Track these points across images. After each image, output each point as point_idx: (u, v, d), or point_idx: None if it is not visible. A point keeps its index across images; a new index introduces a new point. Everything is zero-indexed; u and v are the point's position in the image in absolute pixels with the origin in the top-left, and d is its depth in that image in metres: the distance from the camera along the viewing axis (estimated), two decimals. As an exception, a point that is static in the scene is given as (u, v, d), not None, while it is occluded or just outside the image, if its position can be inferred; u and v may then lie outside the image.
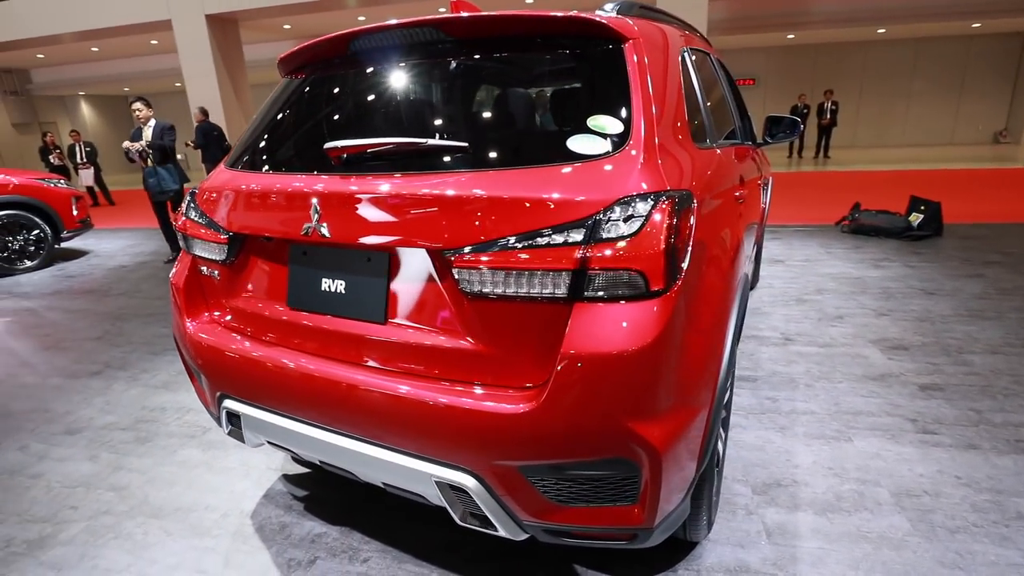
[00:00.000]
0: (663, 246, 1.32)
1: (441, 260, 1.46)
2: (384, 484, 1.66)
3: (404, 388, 1.48)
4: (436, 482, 1.49)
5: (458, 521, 1.57)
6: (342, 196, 1.55)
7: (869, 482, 2.35)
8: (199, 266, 1.98)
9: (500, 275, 1.37)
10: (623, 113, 1.48)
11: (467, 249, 1.39)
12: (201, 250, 1.93)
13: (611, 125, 1.47)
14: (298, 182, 1.65)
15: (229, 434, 1.99)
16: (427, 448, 1.48)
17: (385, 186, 1.50)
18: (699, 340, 1.45)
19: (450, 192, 1.42)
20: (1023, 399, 2.95)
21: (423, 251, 1.49)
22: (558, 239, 1.32)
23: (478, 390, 1.44)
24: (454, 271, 1.42)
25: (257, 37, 15.63)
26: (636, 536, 1.47)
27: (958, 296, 4.49)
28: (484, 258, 1.37)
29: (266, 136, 1.94)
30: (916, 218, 6.37)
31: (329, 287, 1.66)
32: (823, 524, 2.12)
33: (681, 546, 2.03)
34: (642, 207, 1.32)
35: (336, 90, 1.89)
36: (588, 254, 1.31)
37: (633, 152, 1.42)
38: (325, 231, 1.57)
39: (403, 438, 1.50)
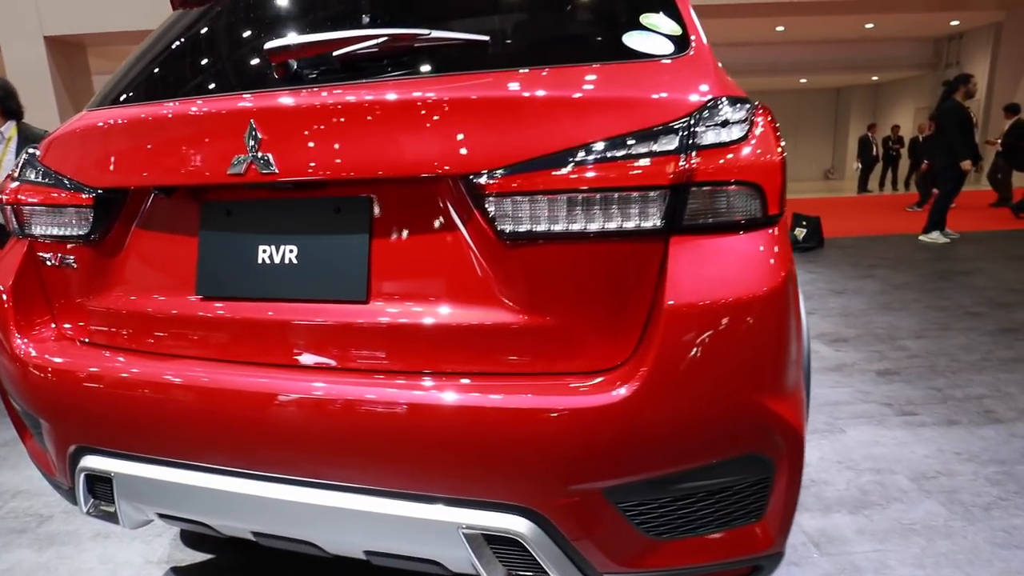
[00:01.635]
0: (780, 155, 0.98)
1: (464, 193, 1.00)
2: (369, 554, 1.09)
3: (410, 395, 0.97)
4: (466, 535, 0.97)
5: None
6: (299, 112, 1.03)
7: (884, 471, 2.19)
8: (39, 254, 1.31)
9: (559, 204, 0.93)
10: (676, 11, 1.16)
11: (504, 170, 0.94)
12: (46, 225, 1.27)
13: (666, 24, 1.13)
14: (222, 101, 1.10)
15: (90, 512, 1.30)
16: (453, 484, 0.97)
17: (369, 95, 1.01)
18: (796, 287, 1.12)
19: (479, 94, 0.98)
20: (968, 374, 3.05)
21: (435, 183, 1.02)
22: (643, 147, 0.93)
23: (531, 382, 0.97)
24: (488, 204, 0.96)
25: (112, 67, 13.85)
26: (760, 569, 1.05)
27: (863, 293, 4.77)
28: (534, 180, 0.93)
29: (163, 58, 1.35)
30: (801, 232, 6.85)
31: (270, 258, 1.11)
32: (864, 523, 1.89)
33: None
34: (740, 112, 0.97)
35: None
36: (688, 165, 0.92)
37: (700, 54, 1.09)
38: (269, 165, 1.03)
39: (412, 474, 0.98)
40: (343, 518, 1.03)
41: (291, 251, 1.10)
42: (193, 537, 1.98)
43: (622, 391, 0.91)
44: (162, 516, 1.23)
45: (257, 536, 1.17)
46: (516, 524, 0.95)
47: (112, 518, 1.28)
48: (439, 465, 0.96)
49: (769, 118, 1.02)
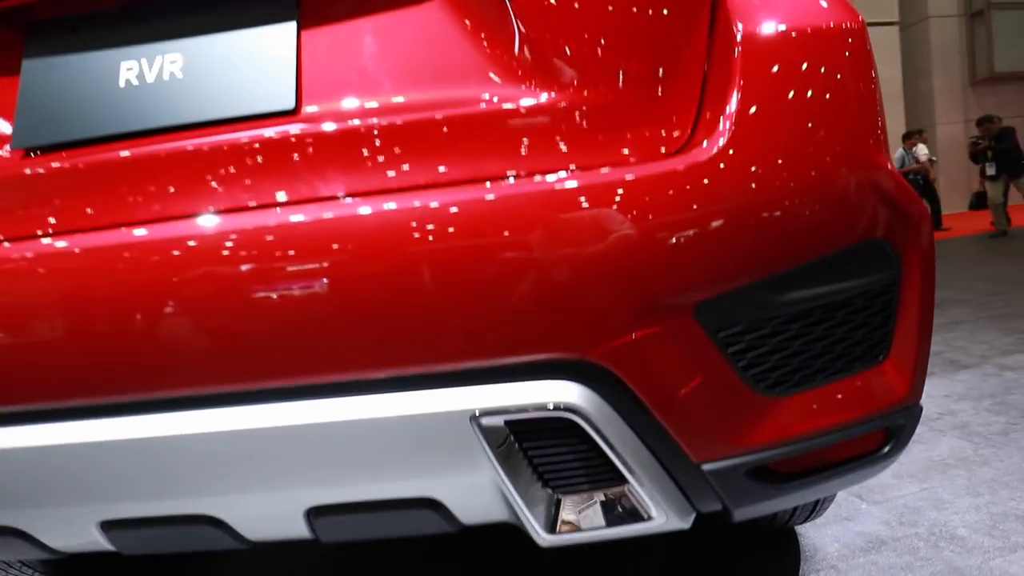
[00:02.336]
0: None
1: None
2: (317, 515, 0.67)
3: (391, 216, 0.61)
4: (484, 427, 0.60)
5: (542, 535, 0.66)
6: None
7: None
8: None
9: None
10: None
11: None
12: None
13: None
14: None
15: None
16: (461, 343, 0.60)
17: None
18: None
19: None
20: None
21: None
22: None
23: (567, 169, 0.64)
24: None
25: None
26: (899, 432, 0.75)
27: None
28: None
29: None
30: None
31: (139, 77, 0.73)
32: (895, 469, 1.67)
33: (782, 550, 1.34)
34: None
35: None
36: None
37: None
38: None
39: (397, 341, 0.60)
40: (292, 444, 0.61)
41: (172, 62, 0.74)
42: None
43: (702, 146, 0.61)
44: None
45: (119, 541, 0.70)
46: (563, 392, 0.60)
47: None
48: (440, 314, 0.59)
49: None
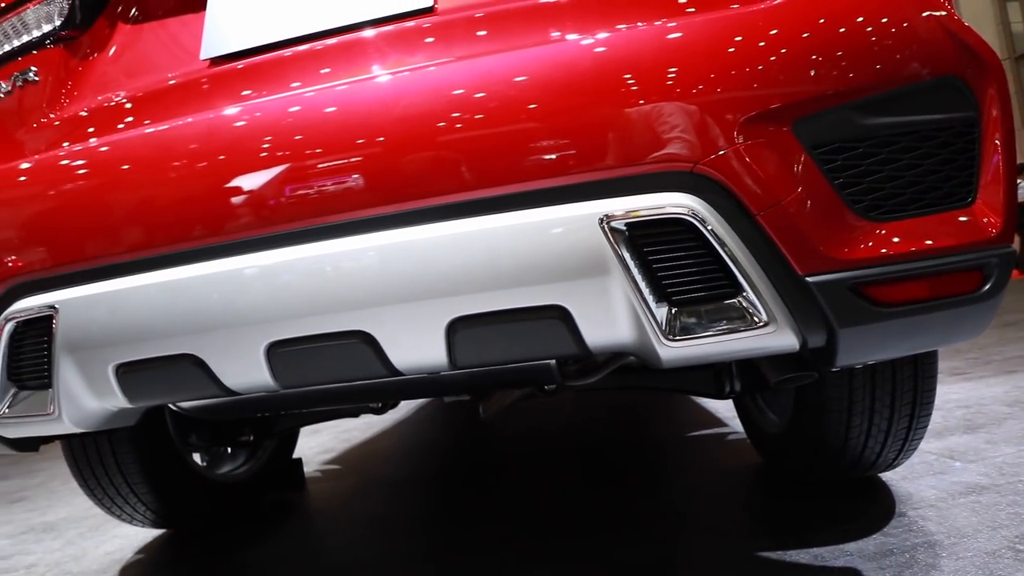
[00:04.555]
0: None
1: None
2: (459, 336, 0.74)
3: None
4: (610, 230, 0.69)
5: (664, 342, 0.70)
6: None
7: (973, 405, 1.99)
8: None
9: None
10: None
11: None
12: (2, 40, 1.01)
13: None
14: None
15: (8, 416, 0.89)
16: (582, 155, 0.70)
17: None
18: None
19: None
20: (993, 348, 2.93)
21: None
22: None
23: None
24: None
25: None
26: (990, 270, 0.78)
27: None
28: None
29: None
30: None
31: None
32: (987, 437, 1.64)
33: (876, 495, 1.30)
34: None
35: None
36: None
37: None
38: None
39: (519, 155, 0.70)
40: (437, 257, 0.70)
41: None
42: (133, 574, 1.41)
43: None
44: (131, 371, 0.83)
45: (281, 368, 0.79)
46: (679, 199, 0.68)
47: (44, 416, 0.87)
48: (571, 131, 0.69)
49: None
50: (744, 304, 0.69)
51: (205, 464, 1.70)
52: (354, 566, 1.28)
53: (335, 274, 0.72)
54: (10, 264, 0.86)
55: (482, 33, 0.79)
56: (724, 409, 2.30)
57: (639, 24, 0.73)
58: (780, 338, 0.70)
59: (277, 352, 0.77)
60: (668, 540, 1.18)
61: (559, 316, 0.71)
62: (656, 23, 0.73)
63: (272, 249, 0.73)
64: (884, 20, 0.72)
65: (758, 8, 0.72)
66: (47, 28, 0.99)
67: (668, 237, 0.69)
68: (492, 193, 0.70)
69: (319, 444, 2.74)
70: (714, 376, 1.23)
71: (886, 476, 1.39)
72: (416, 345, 0.74)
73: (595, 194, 0.69)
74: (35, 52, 1.01)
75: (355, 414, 1.60)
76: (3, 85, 1.02)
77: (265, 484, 1.85)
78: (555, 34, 0.75)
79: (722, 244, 0.68)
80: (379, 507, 1.73)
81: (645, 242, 0.69)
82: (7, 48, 1.01)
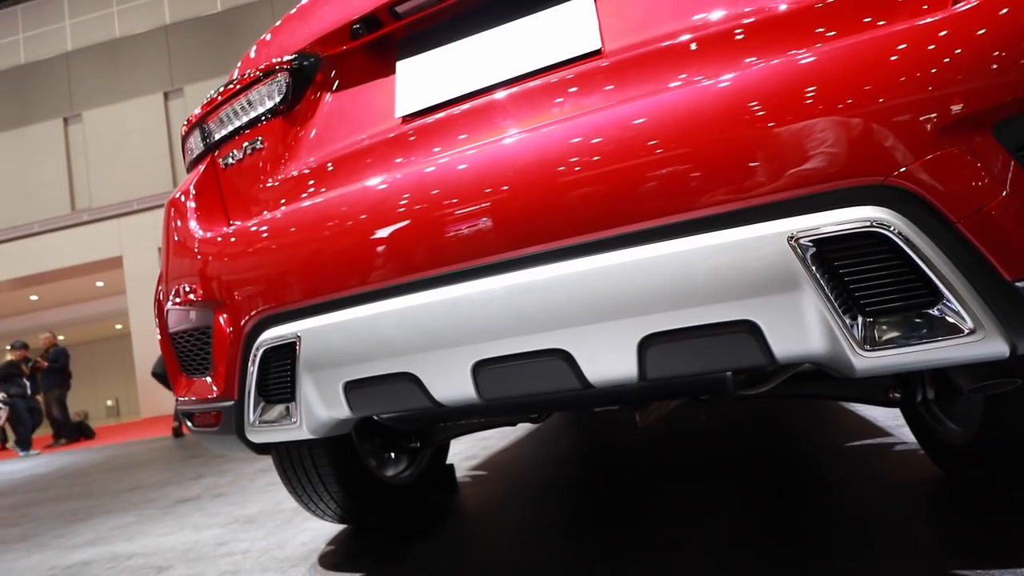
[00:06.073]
0: None
1: None
2: (651, 354, 0.81)
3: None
4: (800, 247, 0.72)
5: (860, 353, 0.72)
6: None
7: None
8: (222, 157, 1.27)
9: None
10: None
11: None
12: (234, 117, 1.24)
13: None
14: None
15: (259, 424, 1.08)
16: (769, 175, 0.74)
17: None
18: None
19: None
20: None
21: None
22: None
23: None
24: None
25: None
26: None
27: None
28: None
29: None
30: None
31: (483, 50, 1.02)
32: None
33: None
34: None
35: None
36: None
37: None
38: None
39: (706, 179, 0.76)
40: (631, 279, 0.78)
41: (502, 33, 1.02)
42: (330, 561, 1.62)
43: None
44: (356, 387, 0.99)
45: (485, 383, 0.90)
46: (870, 213, 0.69)
47: (288, 424, 1.05)
48: (759, 152, 0.73)
49: None
50: (946, 312, 0.69)
51: (380, 465, 1.91)
52: (506, 566, 1.38)
53: (529, 300, 0.82)
54: (259, 301, 1.06)
55: (657, 69, 0.86)
56: (885, 418, 2.16)
57: (823, 35, 0.76)
58: (987, 346, 0.69)
59: (482, 369, 0.88)
60: (851, 555, 1.15)
61: (748, 330, 0.76)
62: (840, 34, 0.75)
63: (479, 279, 0.85)
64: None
65: (950, 13, 0.72)
66: (269, 104, 1.21)
67: (860, 250, 0.71)
68: (682, 218, 0.76)
69: (461, 452, 2.93)
70: (898, 383, 1.19)
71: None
72: (609, 363, 0.82)
73: (783, 213, 0.73)
74: (260, 124, 1.22)
75: (514, 423, 1.71)
76: (236, 153, 1.25)
77: (425, 488, 2.03)
78: (730, 60, 0.80)
79: (919, 253, 0.69)
80: (526, 509, 1.83)
81: (835, 256, 0.71)
82: (239, 123, 1.24)
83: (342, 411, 1.02)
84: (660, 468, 2.05)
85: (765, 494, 1.58)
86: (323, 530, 1.91)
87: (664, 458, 2.20)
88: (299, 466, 1.62)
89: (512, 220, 0.82)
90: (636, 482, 1.93)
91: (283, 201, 1.14)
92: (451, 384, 0.91)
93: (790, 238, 0.71)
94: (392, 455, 1.99)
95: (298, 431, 1.03)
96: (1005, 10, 0.71)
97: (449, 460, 2.25)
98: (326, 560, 1.64)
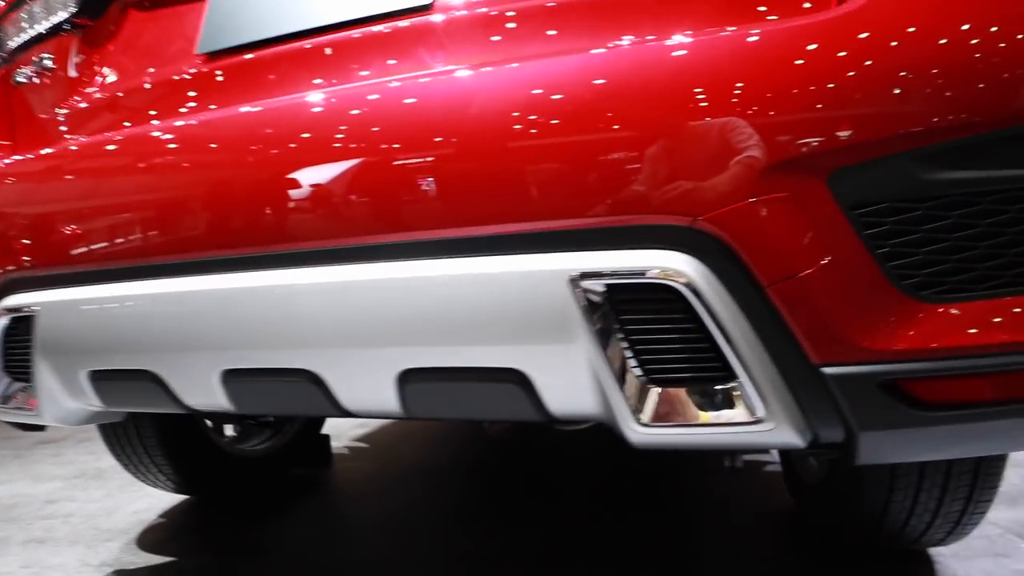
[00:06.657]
0: None
1: None
2: (407, 380, 0.67)
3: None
4: (583, 292, 0.58)
5: (634, 427, 0.60)
6: None
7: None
8: (12, 72, 1.04)
9: None
10: None
11: None
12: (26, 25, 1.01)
13: None
14: None
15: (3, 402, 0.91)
16: (559, 199, 0.59)
17: None
18: None
19: None
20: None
21: None
22: None
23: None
24: None
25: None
26: None
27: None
28: None
29: None
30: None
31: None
32: None
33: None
34: None
35: None
36: None
37: None
38: None
39: (500, 195, 0.61)
40: (391, 300, 0.63)
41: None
42: (151, 539, 1.49)
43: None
44: (103, 380, 0.82)
45: (237, 395, 0.75)
46: (669, 260, 0.56)
47: (25, 410, 0.88)
48: (543, 170, 0.59)
49: None
50: (736, 394, 0.57)
51: (236, 436, 1.75)
52: (367, 561, 1.27)
53: (281, 307, 0.67)
54: (6, 258, 0.87)
55: (487, 36, 0.69)
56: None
57: (644, 37, 0.61)
58: (779, 435, 0.58)
59: (232, 380, 0.73)
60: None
61: (517, 381, 0.62)
62: (662, 37, 0.60)
63: (223, 274, 0.69)
64: (974, 41, 0.55)
65: (805, 22, 0.57)
66: (62, 15, 0.98)
67: (650, 305, 0.58)
68: (447, 235, 0.61)
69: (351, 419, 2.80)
70: None
71: (935, 549, 1.22)
72: (365, 393, 0.68)
73: (568, 245, 0.58)
74: (55, 38, 1.00)
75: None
76: (23, 70, 1.03)
77: (290, 459, 1.89)
78: (533, 49, 0.64)
79: (716, 320, 0.56)
80: (405, 494, 1.72)
81: (621, 308, 0.58)
82: (25, 36, 1.01)
83: (94, 402, 0.86)
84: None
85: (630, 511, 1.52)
86: (164, 498, 1.76)
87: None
88: (121, 432, 1.45)
89: (263, 209, 0.66)
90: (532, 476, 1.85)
91: (59, 139, 0.94)
92: (199, 391, 0.76)
93: (571, 279, 0.57)
94: (254, 423, 1.84)
95: (37, 418, 0.87)
96: (877, 26, 0.56)
97: (334, 426, 2.11)
98: (147, 536, 1.50)
